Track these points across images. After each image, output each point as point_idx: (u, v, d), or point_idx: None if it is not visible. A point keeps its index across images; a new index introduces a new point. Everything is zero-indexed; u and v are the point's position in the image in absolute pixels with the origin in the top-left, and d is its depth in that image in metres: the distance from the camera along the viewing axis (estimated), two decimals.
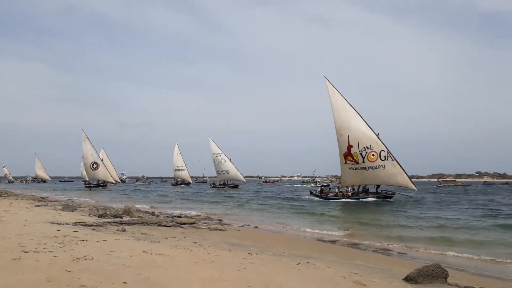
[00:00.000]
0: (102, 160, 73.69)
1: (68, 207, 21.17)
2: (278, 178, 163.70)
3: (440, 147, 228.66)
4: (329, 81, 36.72)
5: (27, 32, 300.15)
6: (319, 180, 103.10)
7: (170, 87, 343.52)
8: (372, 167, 34.52)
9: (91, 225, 12.42)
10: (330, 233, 15.99)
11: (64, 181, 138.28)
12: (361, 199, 34.24)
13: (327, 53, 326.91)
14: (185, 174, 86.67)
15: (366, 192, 36.10)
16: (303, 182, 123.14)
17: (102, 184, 70.50)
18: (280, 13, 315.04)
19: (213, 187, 69.85)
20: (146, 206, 27.89)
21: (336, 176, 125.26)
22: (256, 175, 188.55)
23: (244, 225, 18.10)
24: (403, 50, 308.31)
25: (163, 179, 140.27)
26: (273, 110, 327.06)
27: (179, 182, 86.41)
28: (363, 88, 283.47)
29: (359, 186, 36.43)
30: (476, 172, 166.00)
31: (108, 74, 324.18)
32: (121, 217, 16.20)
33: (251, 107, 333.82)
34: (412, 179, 35.14)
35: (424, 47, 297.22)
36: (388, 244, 13.60)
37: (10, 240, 7.90)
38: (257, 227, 17.95)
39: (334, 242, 13.98)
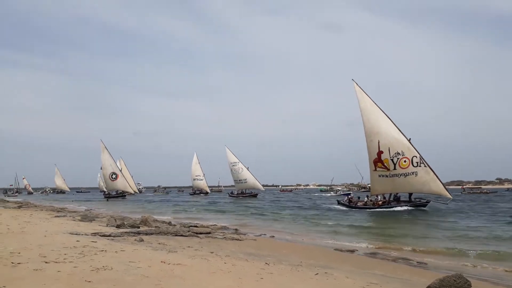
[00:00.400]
0: (121, 171, 74.72)
1: (86, 217, 21.48)
2: (295, 187, 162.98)
3: (457, 152, 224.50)
4: (357, 84, 35.49)
5: (40, 42, 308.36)
6: (338, 188, 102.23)
7: (184, 95, 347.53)
8: (404, 174, 33.07)
9: (109, 236, 12.56)
10: (349, 243, 15.75)
11: (81, 191, 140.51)
12: (392, 208, 32.69)
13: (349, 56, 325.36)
14: (203, 184, 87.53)
15: (397, 200, 34.37)
16: (321, 190, 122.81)
17: (121, 195, 70.96)
18: (295, 20, 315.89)
19: (231, 196, 70.23)
20: (164, 217, 28.07)
21: (352, 184, 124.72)
22: (271, 184, 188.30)
23: (260, 235, 18.04)
24: (416, 52, 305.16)
25: (180, 189, 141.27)
26: (283, 116, 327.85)
27: (197, 192, 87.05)
28: (377, 89, 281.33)
29: (390, 194, 34.79)
30: (497, 179, 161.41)
31: (124, 82, 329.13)
32: (139, 227, 16.32)
33: (263, 114, 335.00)
34: None
35: (441, 50, 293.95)
36: (408, 253, 13.35)
37: (32, 250, 8.05)
38: (274, 236, 17.85)
39: (352, 251, 13.79)
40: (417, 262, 11.92)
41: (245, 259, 9.61)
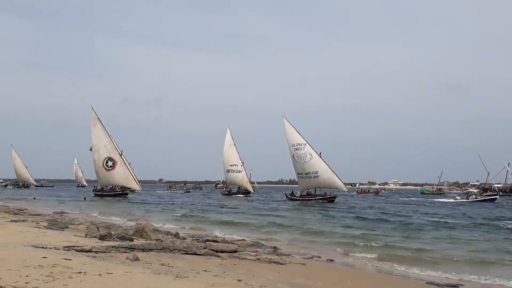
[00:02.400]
0: (121, 155, 70.65)
1: (56, 224, 22.11)
2: (380, 187, 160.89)
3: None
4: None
5: None
6: (472, 190, 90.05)
7: (197, 46, 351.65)
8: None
9: (89, 251, 12.85)
10: (447, 275, 15.37)
11: (41, 185, 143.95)
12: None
13: None
14: (242, 178, 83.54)
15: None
16: (422, 192, 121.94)
17: (121, 193, 69.85)
18: None
19: (291, 199, 67.63)
20: (168, 225, 28.56)
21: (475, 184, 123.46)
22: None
23: (311, 257, 17.99)
24: None
25: (197, 185, 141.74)
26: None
27: (233, 190, 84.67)
28: None
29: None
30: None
31: (108, 26, 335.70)
32: (132, 240, 16.60)
33: (322, 75, 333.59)
34: None
35: None
36: None
37: None
38: (332, 260, 17.74)
39: (456, 287, 13.48)
40: None
41: None
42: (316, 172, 64.93)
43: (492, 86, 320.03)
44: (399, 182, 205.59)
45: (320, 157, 65.35)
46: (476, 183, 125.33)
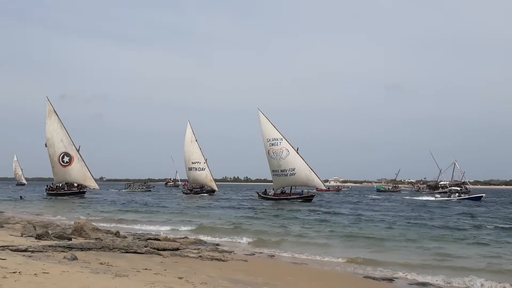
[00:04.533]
0: (78, 150, 66.77)
1: None
2: (339, 184, 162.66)
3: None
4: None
5: None
6: (457, 188, 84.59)
7: (140, 41, 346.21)
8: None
9: (25, 250, 12.53)
10: (384, 269, 15.83)
11: None
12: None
13: None
14: (205, 176, 78.73)
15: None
16: (378, 189, 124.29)
17: (78, 191, 66.33)
18: None
19: (263, 197, 64.68)
20: (108, 224, 28.14)
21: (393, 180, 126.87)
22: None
23: (253, 253, 18.16)
24: None
25: (145, 183, 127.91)
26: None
27: (196, 189, 79.24)
28: None
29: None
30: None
31: (46, 16, 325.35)
32: (70, 239, 16.30)
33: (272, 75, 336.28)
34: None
35: None
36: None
37: None
38: (273, 256, 17.97)
39: (391, 280, 13.92)
40: None
41: None
42: (293, 169, 61.34)
43: (439, 86, 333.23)
44: (339, 180, 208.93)
45: (298, 153, 62.05)
46: (424, 180, 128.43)
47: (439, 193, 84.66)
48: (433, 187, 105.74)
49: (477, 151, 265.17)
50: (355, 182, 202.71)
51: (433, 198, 73.03)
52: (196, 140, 78.89)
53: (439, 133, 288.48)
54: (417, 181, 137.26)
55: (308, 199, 60.65)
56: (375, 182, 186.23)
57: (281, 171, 62.01)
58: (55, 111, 66.44)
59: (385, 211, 44.90)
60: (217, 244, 20.25)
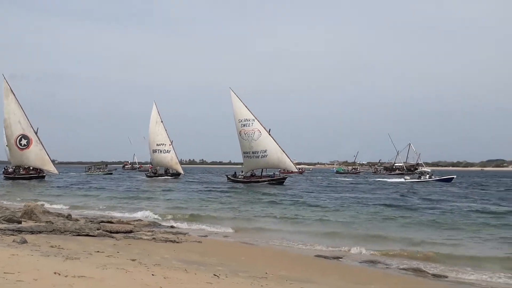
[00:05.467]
0: (36, 133, 64.28)
1: None
2: (302, 166, 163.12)
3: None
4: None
5: None
6: (428, 170, 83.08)
7: (96, 17, 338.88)
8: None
9: None
10: (338, 248, 16.20)
11: None
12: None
13: None
14: (170, 159, 76.77)
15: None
16: (338, 171, 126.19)
17: (38, 175, 64.03)
18: None
19: (233, 180, 63.23)
20: (59, 206, 27.73)
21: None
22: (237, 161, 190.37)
23: (206, 235, 18.23)
24: None
25: (106, 166, 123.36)
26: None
27: (158, 172, 77.54)
28: None
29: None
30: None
31: None
32: (20, 222, 16.06)
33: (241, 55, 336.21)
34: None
35: None
36: (419, 263, 13.96)
37: None
38: (228, 236, 18.13)
39: (339, 258, 14.29)
40: (433, 275, 12.50)
41: (184, 270, 9.72)
42: (265, 151, 60.41)
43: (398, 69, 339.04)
44: (294, 161, 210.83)
45: (270, 134, 61.03)
46: (380, 162, 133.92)
47: (408, 174, 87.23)
48: (390, 169, 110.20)
49: (427, 135, 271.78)
50: (308, 164, 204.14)
51: (403, 180, 74.98)
52: (162, 122, 76.78)
53: (395, 117, 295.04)
54: (374, 163, 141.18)
55: (280, 181, 59.99)
56: (330, 164, 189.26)
57: (253, 152, 60.90)
58: (11, 91, 63.38)
59: (384, 194, 43.08)
60: (172, 226, 20.26)
